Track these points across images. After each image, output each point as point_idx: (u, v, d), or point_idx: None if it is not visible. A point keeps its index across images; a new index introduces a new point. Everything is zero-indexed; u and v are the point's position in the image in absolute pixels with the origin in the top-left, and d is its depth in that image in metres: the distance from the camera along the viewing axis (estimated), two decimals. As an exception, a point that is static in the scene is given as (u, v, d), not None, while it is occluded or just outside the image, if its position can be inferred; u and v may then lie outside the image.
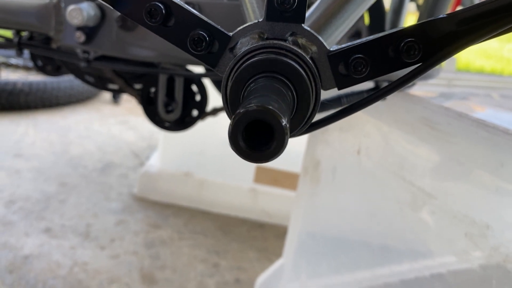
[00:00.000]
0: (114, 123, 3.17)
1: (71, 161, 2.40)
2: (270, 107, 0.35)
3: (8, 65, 1.66)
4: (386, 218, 0.89)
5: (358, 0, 0.62)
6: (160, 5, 0.50)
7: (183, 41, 0.51)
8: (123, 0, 0.51)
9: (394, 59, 0.50)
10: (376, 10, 1.32)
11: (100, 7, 1.10)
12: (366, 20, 1.30)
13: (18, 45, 1.15)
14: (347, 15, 0.62)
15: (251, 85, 0.46)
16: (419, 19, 1.18)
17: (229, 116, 0.50)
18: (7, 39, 1.16)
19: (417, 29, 0.49)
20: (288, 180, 1.93)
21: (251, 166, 1.95)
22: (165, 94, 1.20)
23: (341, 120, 0.57)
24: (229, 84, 0.48)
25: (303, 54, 0.48)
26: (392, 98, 0.87)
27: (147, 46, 1.10)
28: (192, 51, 0.51)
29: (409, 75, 0.50)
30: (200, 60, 0.53)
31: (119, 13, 1.10)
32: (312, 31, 0.51)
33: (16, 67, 1.71)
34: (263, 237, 1.84)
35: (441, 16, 0.48)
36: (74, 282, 1.41)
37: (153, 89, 1.23)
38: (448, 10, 1.19)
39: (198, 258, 1.64)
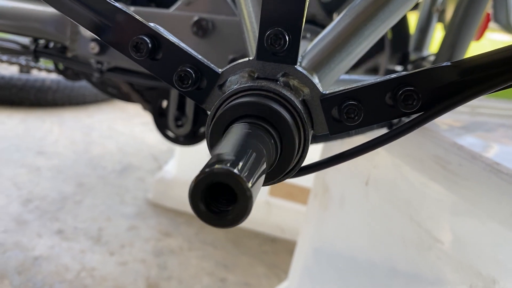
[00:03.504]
0: (137, 124, 3.20)
1: (91, 161, 2.43)
2: (234, 171, 0.32)
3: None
4: (390, 254, 0.85)
5: (359, 38, 0.58)
6: (146, 39, 0.48)
7: (169, 76, 0.49)
8: (108, 31, 0.49)
9: (391, 107, 0.46)
10: (400, 27, 1.27)
11: (115, 19, 1.10)
12: (389, 35, 1.26)
13: (34, 53, 1.15)
14: (346, 53, 0.59)
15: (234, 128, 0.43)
16: (443, 40, 1.13)
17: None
18: (24, 46, 1.17)
19: (417, 76, 0.45)
20: (303, 195, 1.89)
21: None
22: (176, 108, 1.19)
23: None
24: (212, 124, 0.46)
25: (292, 97, 0.46)
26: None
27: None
28: (178, 87, 0.49)
29: (407, 126, 0.46)
30: (187, 96, 0.50)
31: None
32: (305, 73, 0.48)
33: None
34: (274, 252, 1.81)
35: (444, 64, 0.44)
36: (80, 287, 1.41)
37: (164, 102, 1.22)
38: (476, 33, 1.13)
39: (206, 271, 1.62)
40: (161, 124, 1.23)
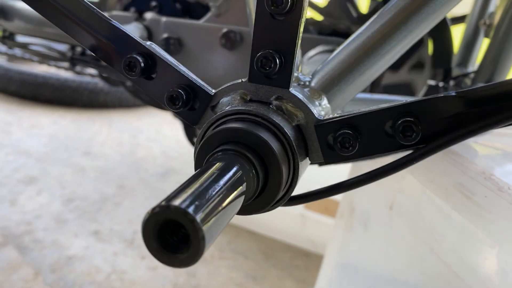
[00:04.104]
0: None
1: (135, 163, 2.49)
2: (188, 210, 0.30)
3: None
4: (409, 284, 0.79)
5: (373, 58, 0.55)
6: (139, 58, 0.47)
7: (162, 97, 0.48)
8: (102, 48, 0.49)
9: (389, 139, 0.43)
10: (442, 42, 1.20)
11: (148, 28, 1.11)
12: (430, 50, 1.19)
13: (71, 60, 1.19)
14: (359, 73, 0.55)
15: (218, 153, 0.41)
16: (485, 56, 1.06)
17: None
18: (62, 53, 1.22)
19: (419, 106, 0.41)
20: (339, 210, 1.83)
21: (303, 191, 1.88)
22: (204, 119, 1.19)
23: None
24: (198, 149, 0.44)
25: (282, 123, 0.43)
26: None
27: (192, 69, 1.09)
28: (169, 108, 0.48)
29: (403, 160, 0.43)
30: (179, 116, 0.49)
31: (164, 35, 1.10)
32: (299, 97, 0.45)
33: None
34: (306, 267, 1.77)
35: (449, 93, 0.40)
36: (108, 290, 1.44)
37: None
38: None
39: (234, 281, 1.61)
40: (190, 132, 1.23)
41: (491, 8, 1.25)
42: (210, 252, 1.76)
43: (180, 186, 0.34)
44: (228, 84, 0.47)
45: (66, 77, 3.13)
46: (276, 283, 1.64)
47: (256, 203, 0.43)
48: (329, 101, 0.56)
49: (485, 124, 0.40)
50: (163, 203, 0.31)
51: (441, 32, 1.20)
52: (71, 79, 3.13)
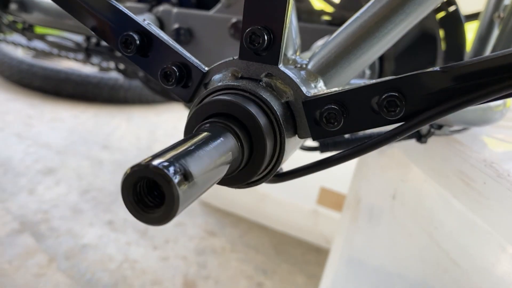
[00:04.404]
0: (200, 125, 3.27)
1: (151, 158, 2.52)
2: (165, 170, 0.31)
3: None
4: (410, 272, 0.79)
5: (370, 41, 0.55)
6: (134, 35, 0.49)
7: (155, 73, 0.50)
8: (100, 25, 0.50)
9: (374, 114, 0.43)
10: (455, 34, 1.19)
11: (159, 19, 1.14)
12: (443, 46, 1.18)
13: (86, 50, 1.22)
14: (355, 57, 0.56)
15: (206, 125, 0.42)
16: (494, 49, 1.04)
17: None
18: (77, 44, 1.25)
19: (403, 81, 0.42)
20: (351, 207, 1.83)
21: (316, 187, 1.89)
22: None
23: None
24: (186, 122, 0.45)
25: (269, 98, 0.44)
26: (433, 142, 0.77)
27: (202, 59, 1.11)
28: (163, 84, 0.49)
29: (387, 135, 0.43)
30: (173, 93, 0.51)
31: (175, 26, 1.12)
32: (289, 74, 0.46)
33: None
34: (317, 262, 1.77)
35: (434, 68, 0.41)
36: (120, 278, 1.47)
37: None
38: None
39: (244, 274, 1.62)
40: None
41: (507, 0, 1.23)
42: (221, 244, 1.78)
43: (164, 149, 0.35)
44: (220, 62, 0.48)
45: (88, 73, 3.20)
46: (286, 278, 1.64)
47: (240, 176, 0.44)
48: (325, 84, 0.57)
49: (467, 99, 0.40)
50: (144, 162, 0.32)
51: (454, 27, 1.19)
52: (93, 75, 3.19)
